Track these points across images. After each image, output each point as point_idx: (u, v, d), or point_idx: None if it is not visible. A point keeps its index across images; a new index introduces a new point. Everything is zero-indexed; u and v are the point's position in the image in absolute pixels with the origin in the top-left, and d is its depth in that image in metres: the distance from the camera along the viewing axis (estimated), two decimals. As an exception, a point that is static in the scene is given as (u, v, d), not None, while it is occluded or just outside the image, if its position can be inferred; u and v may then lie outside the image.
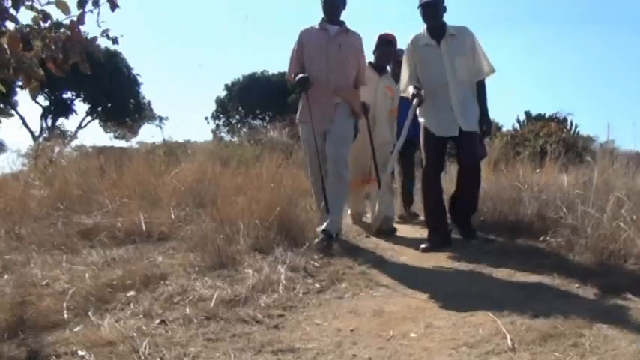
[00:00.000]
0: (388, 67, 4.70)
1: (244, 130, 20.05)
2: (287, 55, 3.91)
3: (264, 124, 23.84)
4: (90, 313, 2.17)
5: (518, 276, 2.89)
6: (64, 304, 2.19)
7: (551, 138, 13.45)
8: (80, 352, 1.87)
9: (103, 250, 3.19)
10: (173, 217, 3.84)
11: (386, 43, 4.54)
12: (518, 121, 18.89)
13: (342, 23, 3.81)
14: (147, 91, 23.44)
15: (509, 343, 1.91)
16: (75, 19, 2.48)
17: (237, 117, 26.15)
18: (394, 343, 2.02)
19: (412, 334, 2.09)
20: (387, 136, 4.43)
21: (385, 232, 4.23)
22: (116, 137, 22.79)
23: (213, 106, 27.23)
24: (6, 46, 2.35)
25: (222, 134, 22.98)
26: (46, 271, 2.63)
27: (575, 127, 15.85)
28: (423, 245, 3.67)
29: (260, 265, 2.90)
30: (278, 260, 2.98)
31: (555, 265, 2.92)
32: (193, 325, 2.12)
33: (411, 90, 3.72)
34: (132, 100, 20.59)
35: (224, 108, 26.66)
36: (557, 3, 51.35)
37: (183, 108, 38.47)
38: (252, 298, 2.44)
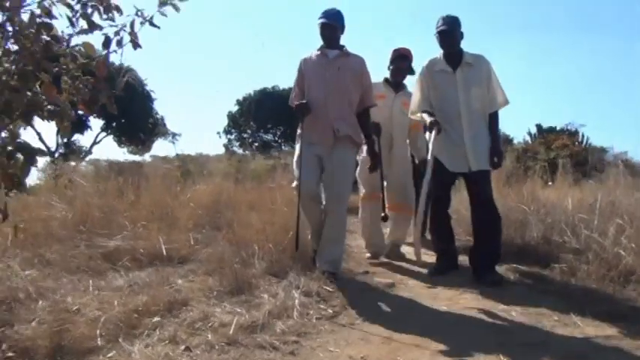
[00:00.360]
0: (406, 82, 4.48)
1: (256, 144, 20.30)
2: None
3: (276, 139, 24.11)
4: (120, 340, 2.31)
5: (521, 304, 2.97)
6: (98, 331, 2.34)
7: (562, 151, 13.50)
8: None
9: (126, 274, 3.35)
10: (192, 241, 4.00)
11: (400, 57, 4.38)
12: (529, 133, 19.02)
13: (342, 47, 3.70)
14: (160, 107, 23.77)
15: (508, 372, 2.06)
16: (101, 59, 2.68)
17: (249, 131, 26.41)
18: (402, 370, 2.16)
19: (419, 362, 2.23)
20: (405, 156, 4.42)
21: (393, 258, 4.32)
22: (130, 152, 23.13)
23: (225, 121, 27.59)
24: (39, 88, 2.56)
25: (235, 148, 23.31)
26: (77, 298, 2.79)
27: (587, 140, 15.93)
28: (430, 269, 3.80)
29: (275, 290, 3.04)
30: (292, 285, 3.10)
31: (557, 292, 3.04)
32: (215, 352, 2.26)
33: (426, 118, 3.63)
34: (150, 120, 20.87)
35: (236, 123, 26.91)
36: (563, 11, 51.34)
37: (195, 123, 38.83)
38: (268, 324, 2.56)
